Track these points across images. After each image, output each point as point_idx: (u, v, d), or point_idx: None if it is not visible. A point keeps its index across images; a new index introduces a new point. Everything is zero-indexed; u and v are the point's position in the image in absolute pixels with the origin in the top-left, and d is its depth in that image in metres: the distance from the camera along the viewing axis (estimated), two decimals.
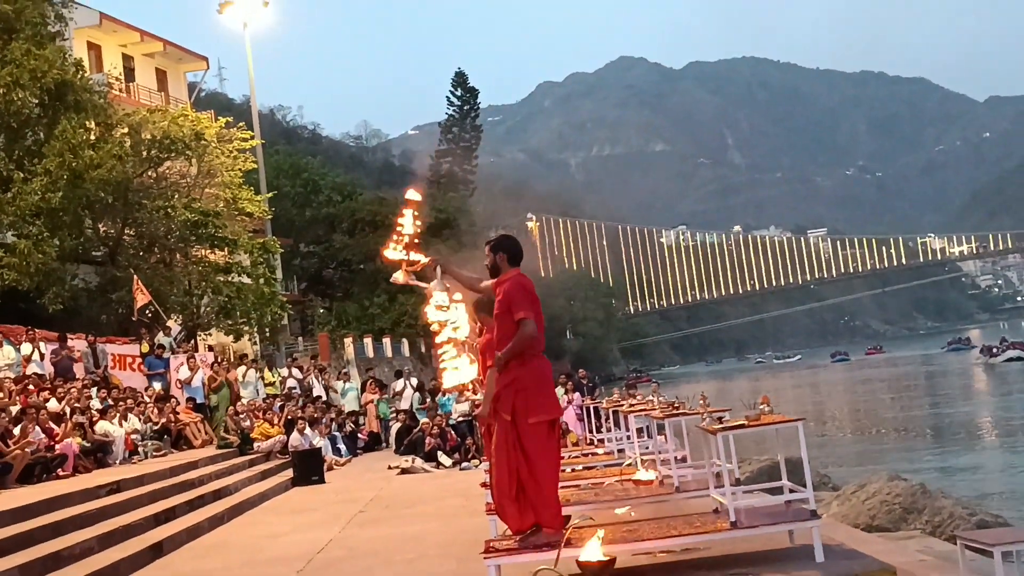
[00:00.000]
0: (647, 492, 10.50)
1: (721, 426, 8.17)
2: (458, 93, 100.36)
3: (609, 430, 17.29)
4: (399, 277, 8.82)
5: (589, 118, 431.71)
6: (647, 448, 13.43)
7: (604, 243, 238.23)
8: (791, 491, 8.48)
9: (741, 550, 8.08)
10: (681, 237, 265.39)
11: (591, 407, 19.48)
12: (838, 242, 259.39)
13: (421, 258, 8.76)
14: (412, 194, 9.13)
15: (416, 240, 8.91)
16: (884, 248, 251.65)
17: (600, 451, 15.86)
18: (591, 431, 19.23)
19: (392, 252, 8.83)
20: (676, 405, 11.13)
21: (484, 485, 10.53)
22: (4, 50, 27.35)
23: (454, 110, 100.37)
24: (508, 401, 7.82)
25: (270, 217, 42.92)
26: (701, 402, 9.87)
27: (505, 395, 7.85)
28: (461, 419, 23.42)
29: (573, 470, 12.89)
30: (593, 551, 7.37)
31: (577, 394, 24.35)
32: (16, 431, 15.58)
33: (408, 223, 8.88)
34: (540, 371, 7.95)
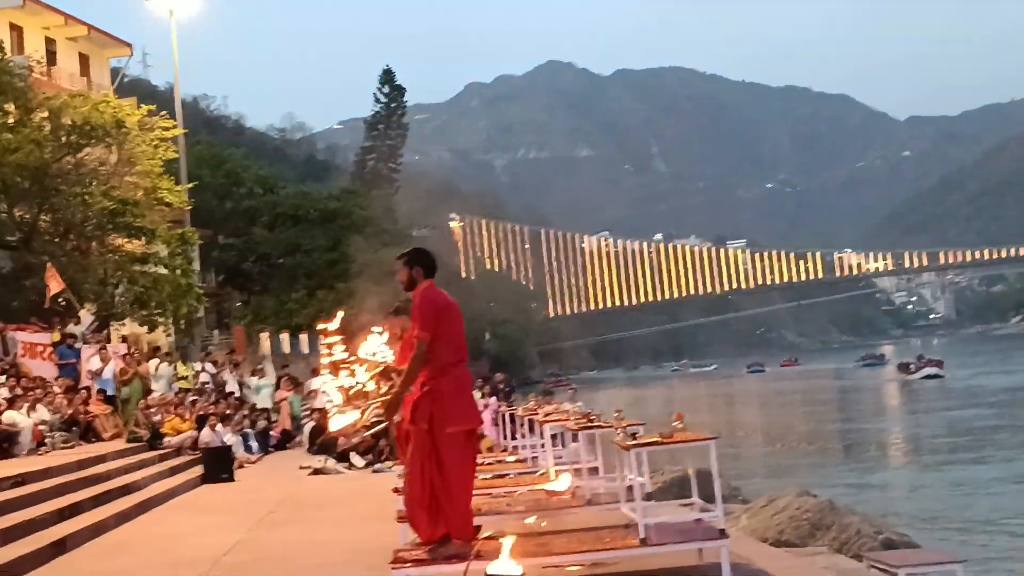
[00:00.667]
0: (559, 503, 10.47)
1: (635, 443, 8.18)
2: (385, 91, 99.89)
3: (524, 436, 17.28)
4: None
5: (516, 120, 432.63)
6: (560, 456, 13.43)
7: (526, 246, 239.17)
8: (702, 510, 8.50)
9: (650, 567, 8.09)
10: (603, 243, 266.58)
11: (506, 413, 19.45)
12: (757, 254, 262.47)
13: None
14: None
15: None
16: (802, 262, 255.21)
17: (513, 458, 15.82)
18: (505, 437, 19.20)
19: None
20: (591, 417, 11.13)
21: (396, 491, 10.46)
22: None
23: (381, 107, 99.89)
24: (426, 409, 7.76)
25: (190, 208, 42.43)
26: (616, 415, 9.88)
27: (423, 403, 7.79)
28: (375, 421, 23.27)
29: (486, 478, 12.84)
30: (505, 564, 7.31)
31: (493, 398, 24.34)
32: None
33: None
34: (459, 380, 7.92)
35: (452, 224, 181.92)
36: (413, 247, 8.49)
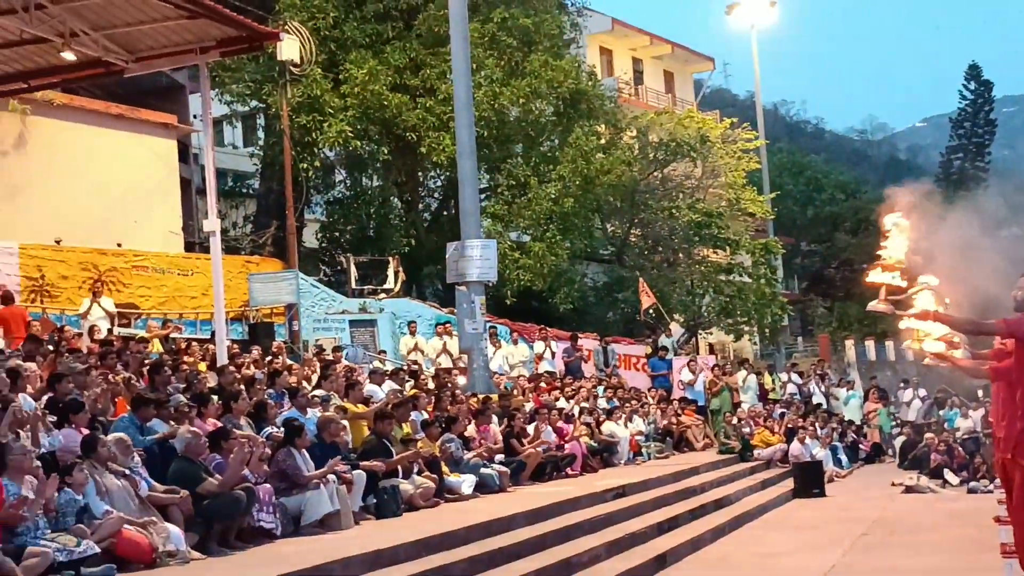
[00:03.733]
0: None
1: None
2: (971, 87, 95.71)
3: None
4: (878, 306, 8.35)
5: None
6: None
7: None
8: None
9: None
10: None
11: None
12: None
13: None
14: (893, 220, 8.60)
15: (902, 267, 8.42)
16: None
17: None
18: None
19: (875, 277, 8.40)
20: None
21: (998, 520, 9.91)
22: (524, 62, 28.78)
23: (966, 104, 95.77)
24: None
25: (772, 217, 42.73)
26: None
27: (1022, 441, 7.37)
28: (968, 436, 22.40)
29: None
30: None
31: None
32: (530, 430, 16.37)
33: (895, 248, 8.41)
34: None
35: None
36: None
